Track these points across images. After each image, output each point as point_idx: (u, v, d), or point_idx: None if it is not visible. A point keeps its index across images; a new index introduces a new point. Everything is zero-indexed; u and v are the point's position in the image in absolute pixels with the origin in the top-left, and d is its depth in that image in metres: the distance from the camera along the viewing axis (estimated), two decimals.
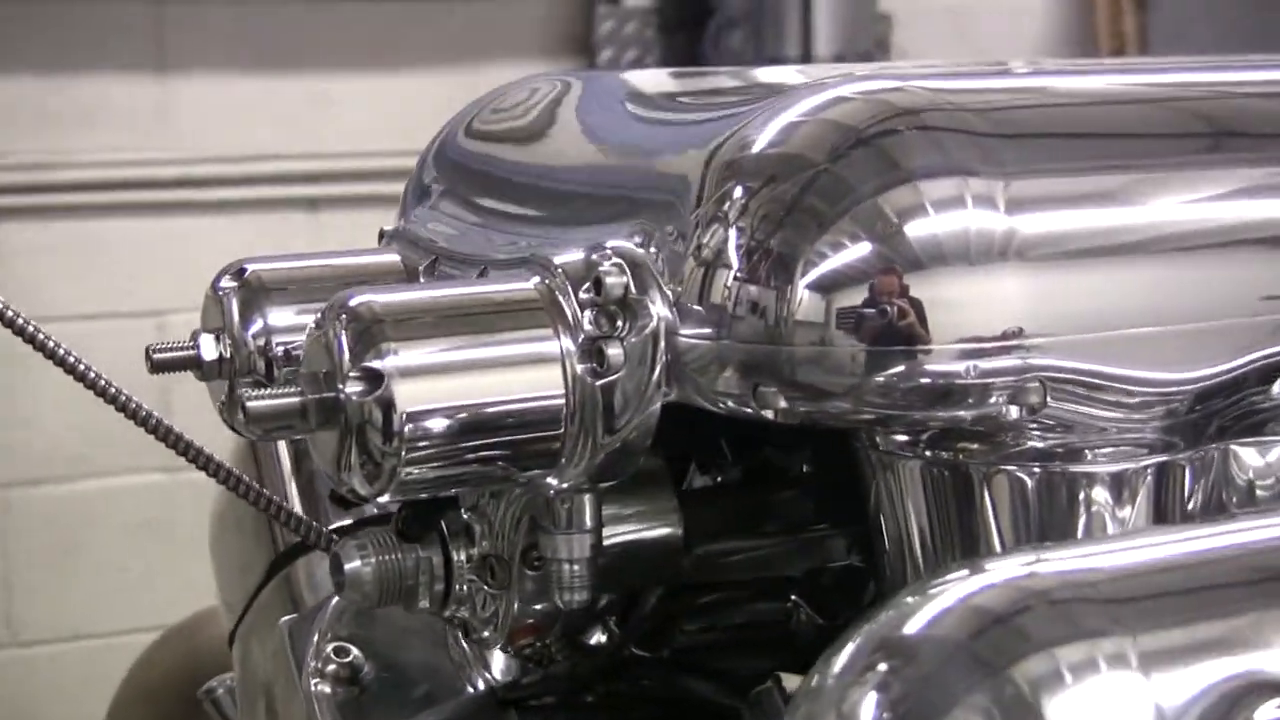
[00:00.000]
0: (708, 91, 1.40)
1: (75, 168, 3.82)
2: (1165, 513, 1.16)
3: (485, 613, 1.25)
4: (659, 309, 1.11)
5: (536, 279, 1.14)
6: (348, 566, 1.23)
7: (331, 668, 1.45)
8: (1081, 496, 1.15)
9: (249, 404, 1.12)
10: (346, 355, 1.09)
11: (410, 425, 1.08)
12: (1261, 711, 0.85)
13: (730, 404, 1.12)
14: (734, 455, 1.34)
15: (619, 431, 1.12)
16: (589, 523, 1.18)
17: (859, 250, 1.07)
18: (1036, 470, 1.15)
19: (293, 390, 1.12)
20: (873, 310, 1.07)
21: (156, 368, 1.31)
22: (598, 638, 1.40)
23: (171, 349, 1.31)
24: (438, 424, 1.09)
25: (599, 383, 1.11)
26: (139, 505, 3.92)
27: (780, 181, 1.10)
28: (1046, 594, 0.91)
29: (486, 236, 1.32)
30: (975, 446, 1.15)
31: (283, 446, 1.71)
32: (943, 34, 4.55)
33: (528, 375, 1.11)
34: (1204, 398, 1.15)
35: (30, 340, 1.34)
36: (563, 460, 1.13)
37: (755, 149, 1.13)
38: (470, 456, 1.11)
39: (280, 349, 1.29)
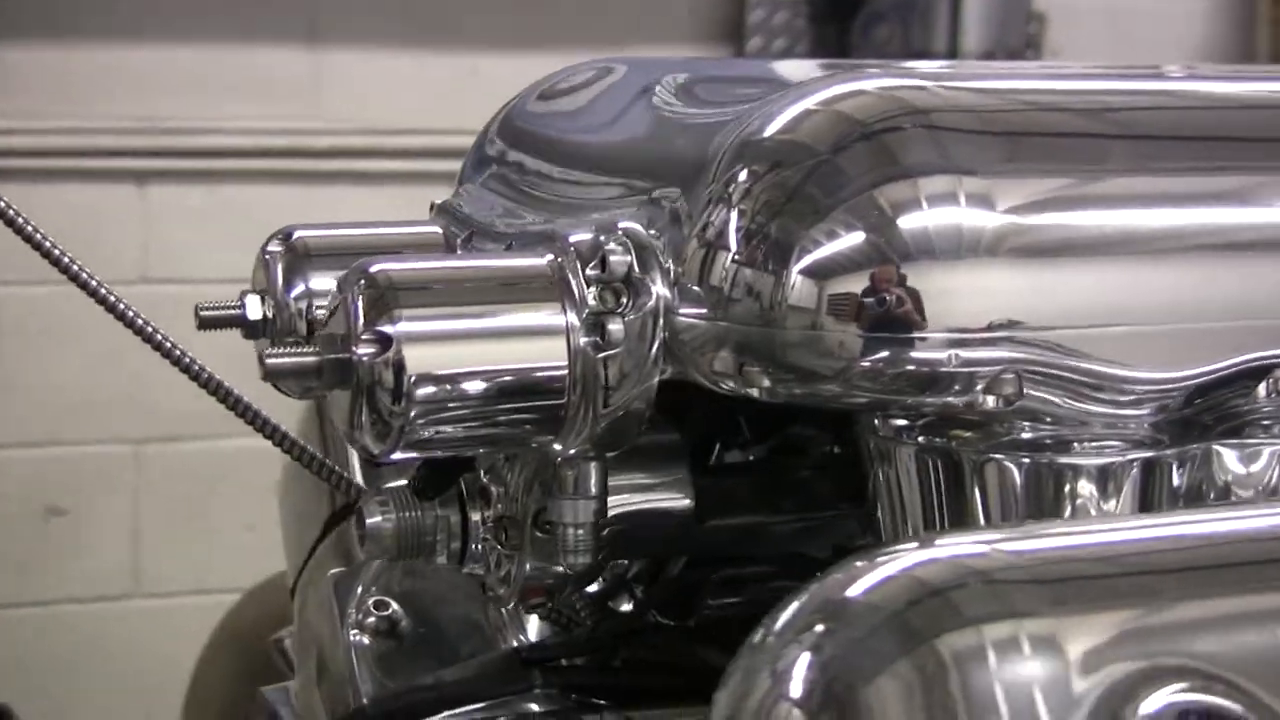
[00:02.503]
0: (745, 80, 1.42)
1: (224, 134, 3.88)
2: (1149, 507, 1.19)
3: (500, 572, 1.29)
4: (659, 288, 1.16)
5: (550, 256, 1.19)
6: (369, 521, 1.29)
7: (371, 620, 1.51)
8: (1067, 488, 1.18)
9: (267, 360, 1.17)
10: (360, 319, 1.15)
11: (417, 387, 1.13)
12: (1150, 700, 0.88)
13: (725, 384, 1.16)
14: (754, 434, 1.38)
15: (618, 403, 1.16)
16: (594, 490, 1.23)
17: (853, 239, 1.11)
18: (1025, 460, 1.18)
19: (311, 350, 1.18)
20: (862, 297, 1.11)
21: (204, 324, 1.37)
22: (623, 604, 1.45)
23: (218, 307, 1.37)
24: (444, 387, 1.14)
25: (600, 356, 1.15)
26: (272, 466, 3.98)
27: (784, 168, 1.14)
28: (985, 573, 0.95)
29: (517, 213, 1.37)
30: (967, 434, 1.18)
31: None
32: (1099, 35, 4.52)
33: (533, 346, 1.16)
34: (1189, 397, 1.17)
35: (96, 297, 1.41)
36: (564, 428, 1.17)
37: (765, 135, 1.17)
38: (476, 420, 1.16)
39: (320, 312, 1.34)
